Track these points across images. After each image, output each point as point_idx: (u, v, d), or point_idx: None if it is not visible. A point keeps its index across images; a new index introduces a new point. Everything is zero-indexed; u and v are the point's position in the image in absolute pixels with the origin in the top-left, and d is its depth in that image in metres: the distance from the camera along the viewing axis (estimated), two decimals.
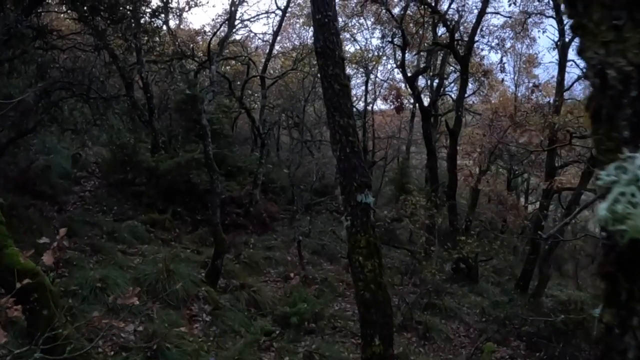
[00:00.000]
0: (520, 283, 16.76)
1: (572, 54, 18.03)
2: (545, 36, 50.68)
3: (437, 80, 20.01)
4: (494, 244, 13.76)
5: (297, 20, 25.13)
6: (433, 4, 14.72)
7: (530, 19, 19.45)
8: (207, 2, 41.01)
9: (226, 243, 10.22)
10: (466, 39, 16.37)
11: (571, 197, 16.47)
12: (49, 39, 10.84)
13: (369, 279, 5.30)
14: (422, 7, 14.94)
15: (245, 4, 20.34)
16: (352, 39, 24.75)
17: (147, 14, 12.28)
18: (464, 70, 14.70)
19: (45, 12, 12.26)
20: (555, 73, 30.23)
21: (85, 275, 8.20)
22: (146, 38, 13.04)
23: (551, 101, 17.31)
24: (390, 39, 17.21)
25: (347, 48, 25.32)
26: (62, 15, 14.57)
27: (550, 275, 16.31)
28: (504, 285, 17.32)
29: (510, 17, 18.73)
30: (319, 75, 23.30)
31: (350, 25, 22.82)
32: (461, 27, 18.03)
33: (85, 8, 10.52)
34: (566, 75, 17.29)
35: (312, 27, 21.87)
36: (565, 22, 17.43)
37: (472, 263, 15.48)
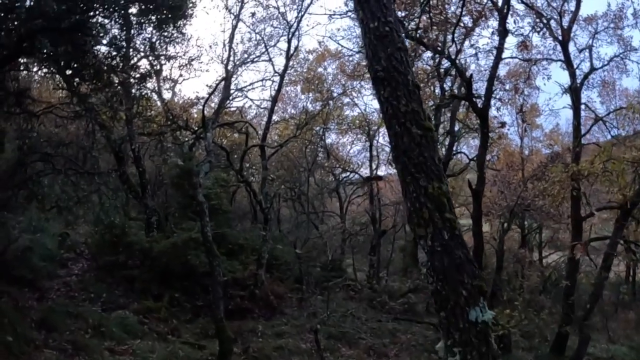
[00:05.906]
0: (555, 346, 15.03)
1: (584, 96, 17.13)
2: (551, 82, 51.17)
3: (448, 139, 18.90)
4: (541, 315, 12.12)
5: (294, 88, 24.45)
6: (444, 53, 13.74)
7: (535, 67, 18.71)
8: (201, 69, 40.73)
9: (232, 340, 8.54)
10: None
11: (607, 247, 15.06)
12: (26, 104, 9.57)
13: None
14: (435, 56, 13.95)
15: (238, 70, 19.42)
16: (353, 103, 23.95)
17: (136, 80, 11.17)
18: (484, 124, 13.43)
19: (24, 76, 11.07)
20: (559, 121, 29.69)
21: None
22: (136, 107, 11.88)
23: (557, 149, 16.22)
24: None
25: (346, 113, 24.60)
26: (44, 81, 13.47)
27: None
28: (537, 350, 15.68)
29: (526, 61, 17.86)
30: (319, 145, 22.18)
31: (349, 89, 22.07)
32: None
33: (68, 71, 9.40)
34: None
35: (311, 93, 20.82)
36: (575, 65, 16.71)
37: (505, 332, 13.74)
